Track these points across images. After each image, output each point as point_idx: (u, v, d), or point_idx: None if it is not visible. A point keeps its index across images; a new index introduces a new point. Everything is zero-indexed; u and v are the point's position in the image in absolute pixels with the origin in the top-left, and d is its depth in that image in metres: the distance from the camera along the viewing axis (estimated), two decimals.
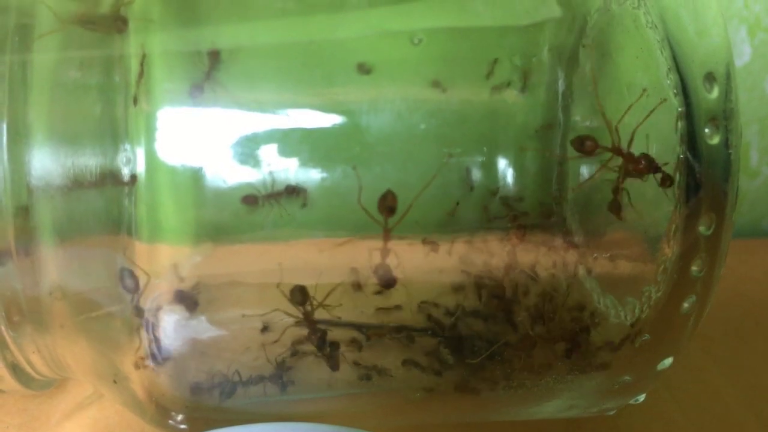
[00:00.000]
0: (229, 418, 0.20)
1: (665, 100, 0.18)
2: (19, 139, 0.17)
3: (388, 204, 0.18)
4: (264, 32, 0.19)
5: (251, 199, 0.18)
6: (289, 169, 0.19)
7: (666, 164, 0.18)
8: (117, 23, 0.18)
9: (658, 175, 0.18)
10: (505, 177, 0.20)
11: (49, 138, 0.18)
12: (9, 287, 0.18)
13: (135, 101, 0.18)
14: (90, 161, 0.17)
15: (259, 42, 0.19)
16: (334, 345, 0.20)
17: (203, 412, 0.21)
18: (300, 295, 0.18)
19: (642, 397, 0.22)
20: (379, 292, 0.19)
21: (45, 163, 0.18)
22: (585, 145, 0.18)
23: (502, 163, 0.20)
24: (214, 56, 0.18)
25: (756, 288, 0.34)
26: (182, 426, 0.21)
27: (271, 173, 0.18)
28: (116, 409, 0.25)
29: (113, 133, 0.18)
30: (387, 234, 0.18)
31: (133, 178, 0.17)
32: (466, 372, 0.21)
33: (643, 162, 0.17)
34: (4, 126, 0.18)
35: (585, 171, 0.19)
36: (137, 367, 0.20)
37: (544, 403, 0.21)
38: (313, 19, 0.20)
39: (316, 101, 0.19)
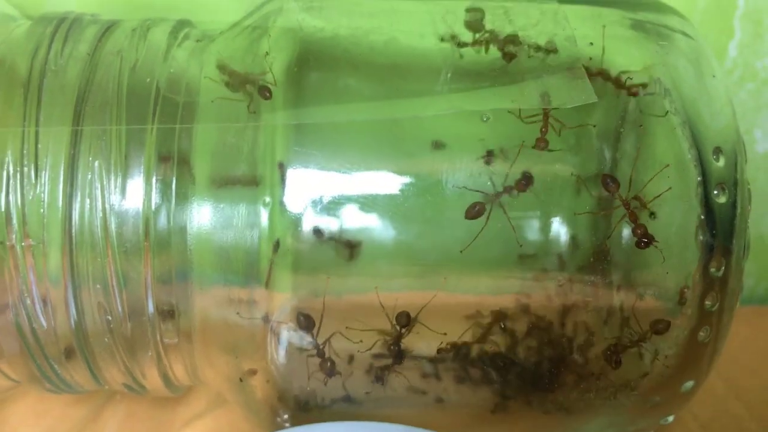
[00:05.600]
0: (327, 418, 0.25)
1: (668, 165, 0.22)
2: (185, 190, 0.23)
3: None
4: (355, 111, 0.24)
5: (319, 233, 0.23)
6: (371, 227, 0.24)
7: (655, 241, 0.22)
8: (263, 92, 0.23)
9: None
10: (558, 235, 0.24)
11: (208, 189, 0.23)
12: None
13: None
14: (239, 209, 0.23)
15: (351, 118, 0.24)
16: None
17: (305, 413, 0.25)
18: (405, 318, 0.23)
19: (671, 418, 0.25)
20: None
21: (204, 210, 0.23)
22: (609, 185, 0.23)
23: (556, 223, 0.24)
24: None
25: None
26: (286, 424, 0.26)
27: (343, 227, 0.23)
28: (228, 419, 0.29)
29: (256, 185, 0.23)
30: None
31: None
32: (525, 393, 0.26)
33: (639, 230, 0.22)
34: (174, 180, 0.23)
35: (625, 233, 0.24)
36: (253, 372, 0.25)
37: (590, 420, 0.25)
38: (397, 102, 0.25)
39: (397, 170, 0.24)
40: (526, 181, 0.23)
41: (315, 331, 0.24)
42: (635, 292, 0.24)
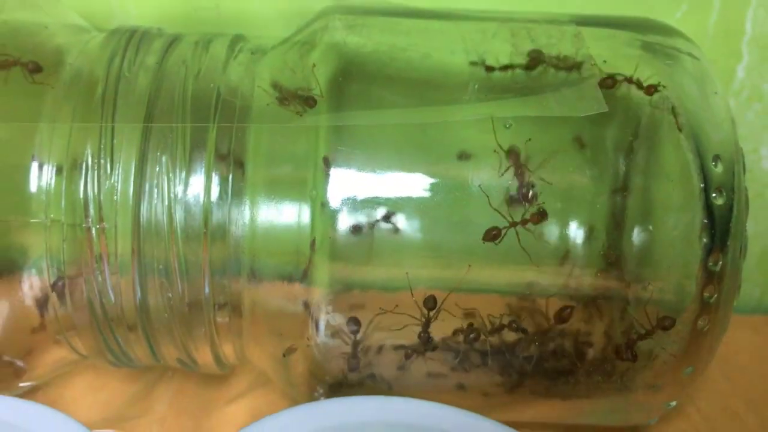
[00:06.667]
0: (359, 393, 0.28)
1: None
2: (240, 186, 0.26)
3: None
4: (390, 116, 0.27)
5: (357, 228, 0.26)
6: (402, 224, 0.26)
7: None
8: (309, 101, 0.26)
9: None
10: (575, 238, 0.27)
11: (260, 185, 0.26)
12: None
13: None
14: (286, 205, 0.26)
15: (386, 121, 0.27)
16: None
17: (340, 389, 0.28)
18: (432, 302, 0.26)
19: (674, 403, 0.28)
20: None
21: (255, 204, 0.26)
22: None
23: (573, 224, 0.27)
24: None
25: None
26: (321, 398, 0.28)
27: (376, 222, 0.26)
28: (267, 398, 0.32)
29: (302, 183, 0.26)
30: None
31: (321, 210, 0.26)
32: (538, 379, 0.28)
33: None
34: (230, 176, 0.26)
35: (636, 233, 0.27)
36: (293, 350, 0.28)
37: (599, 403, 0.28)
38: (426, 109, 0.28)
39: (426, 175, 0.26)
40: (540, 216, 0.26)
41: (359, 331, 0.27)
42: (643, 285, 0.26)
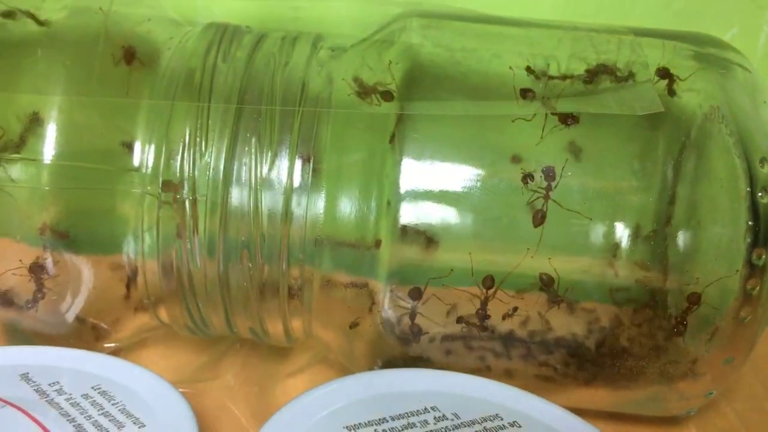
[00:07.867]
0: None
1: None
2: (318, 167, 0.29)
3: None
4: (455, 108, 0.29)
5: (404, 229, 0.28)
6: (459, 222, 0.29)
7: None
8: (386, 95, 0.29)
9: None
10: (622, 234, 0.29)
11: (334, 173, 0.29)
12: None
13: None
14: (355, 193, 0.28)
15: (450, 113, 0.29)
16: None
17: (398, 362, 0.30)
18: (490, 281, 0.28)
19: (714, 392, 0.30)
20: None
21: (330, 190, 0.29)
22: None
23: (620, 228, 0.29)
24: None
25: None
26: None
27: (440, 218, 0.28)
28: (323, 374, 0.34)
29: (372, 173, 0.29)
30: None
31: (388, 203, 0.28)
32: (584, 365, 0.30)
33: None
34: (310, 164, 0.29)
35: (681, 238, 0.28)
36: (357, 324, 0.30)
37: (642, 390, 0.30)
38: (491, 103, 0.29)
39: (484, 171, 0.28)
40: (546, 173, 0.28)
41: (419, 302, 0.29)
42: (688, 279, 0.28)
